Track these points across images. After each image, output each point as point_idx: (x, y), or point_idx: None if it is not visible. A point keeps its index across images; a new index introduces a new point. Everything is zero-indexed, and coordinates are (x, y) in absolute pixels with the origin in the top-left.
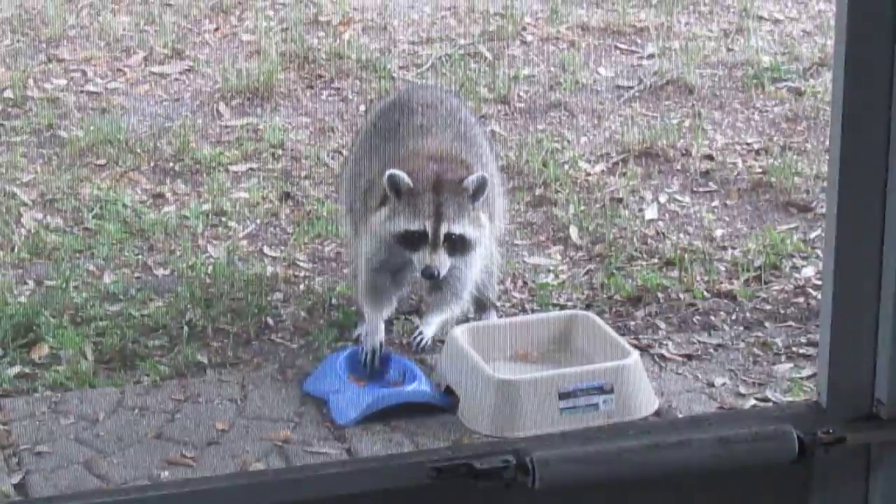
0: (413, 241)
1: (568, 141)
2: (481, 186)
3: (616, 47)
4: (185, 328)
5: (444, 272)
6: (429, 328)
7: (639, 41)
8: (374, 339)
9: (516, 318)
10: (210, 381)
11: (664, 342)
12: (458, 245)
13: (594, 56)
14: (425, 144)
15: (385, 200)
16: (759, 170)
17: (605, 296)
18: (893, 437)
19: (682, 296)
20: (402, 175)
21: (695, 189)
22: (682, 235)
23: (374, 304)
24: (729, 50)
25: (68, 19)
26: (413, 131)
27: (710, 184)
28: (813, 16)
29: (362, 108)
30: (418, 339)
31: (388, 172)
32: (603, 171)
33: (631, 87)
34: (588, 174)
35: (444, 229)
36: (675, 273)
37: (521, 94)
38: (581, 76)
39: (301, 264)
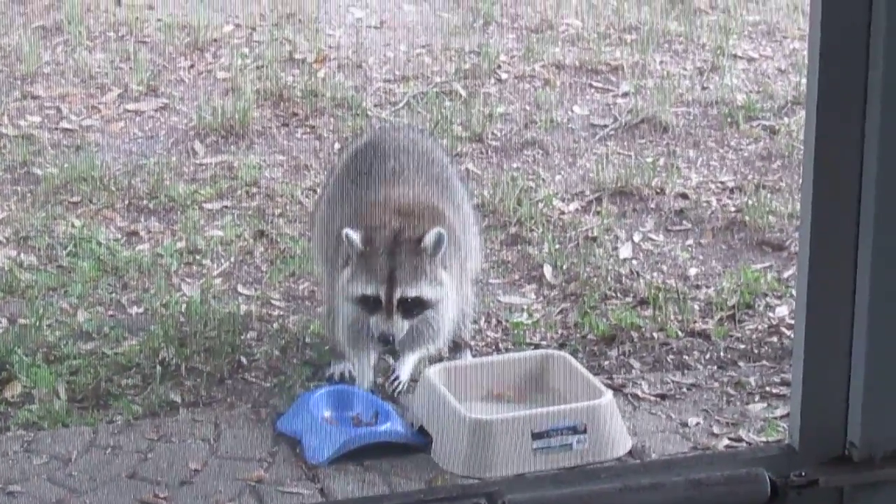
0: (368, 304)
1: (542, 179)
2: (438, 242)
3: (591, 85)
4: (159, 367)
5: (399, 337)
6: (404, 370)
7: (613, 79)
8: (364, 385)
9: (490, 357)
10: (183, 420)
11: (638, 381)
12: (415, 307)
13: (569, 94)
14: (394, 194)
15: (348, 259)
16: (734, 208)
17: (579, 335)
18: (866, 479)
19: (655, 335)
20: (354, 236)
21: (669, 228)
22: (656, 274)
23: (358, 348)
24: (703, 88)
25: (43, 56)
26: (385, 176)
27: (685, 222)
28: (787, 54)
29: (337, 146)
30: (395, 383)
31: (344, 232)
32: (577, 210)
33: (605, 126)
34: (562, 213)
35: (397, 294)
36: (649, 312)
37: (496, 132)
38: (556, 114)
39: (275, 303)
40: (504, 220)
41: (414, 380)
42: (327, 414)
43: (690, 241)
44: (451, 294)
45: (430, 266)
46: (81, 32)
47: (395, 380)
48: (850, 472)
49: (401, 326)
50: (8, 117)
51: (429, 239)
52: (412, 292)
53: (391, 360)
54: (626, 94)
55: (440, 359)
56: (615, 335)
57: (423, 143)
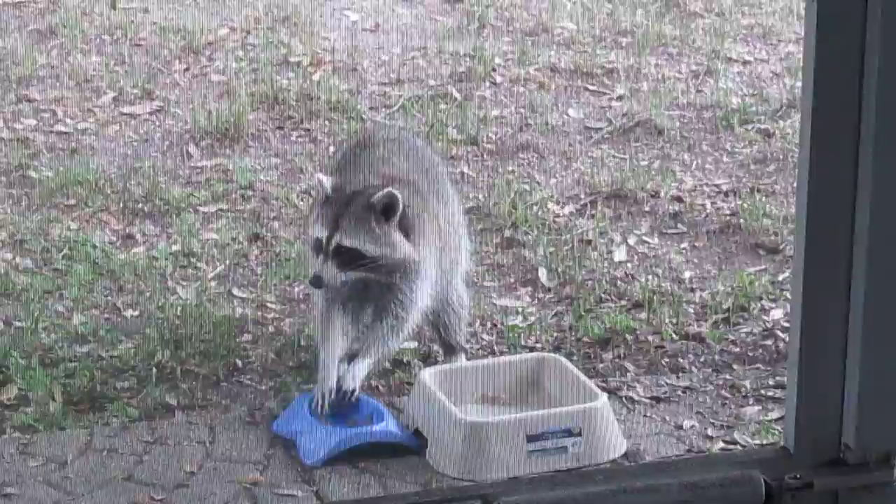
0: (315, 248)
1: (537, 182)
2: (390, 203)
3: (585, 89)
4: (154, 370)
5: (328, 282)
6: (357, 377)
7: (608, 82)
8: (325, 384)
9: (485, 360)
10: (179, 423)
11: (632, 384)
12: (351, 259)
13: (563, 97)
14: (381, 168)
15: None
16: (728, 212)
17: (573, 338)
18: (861, 482)
19: (650, 338)
20: (325, 181)
21: (664, 231)
22: (650, 277)
23: (326, 341)
24: (698, 91)
25: (38, 59)
26: (374, 161)
27: (679, 225)
28: (782, 57)
29: (332, 149)
30: (343, 394)
31: (317, 175)
32: (572, 213)
33: (600, 129)
34: (557, 216)
35: (335, 240)
36: (644, 315)
37: (491, 135)
38: (550, 117)
39: (270, 306)
40: (499, 224)
41: (408, 382)
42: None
43: (685, 245)
44: (423, 273)
45: (377, 223)
46: (76, 36)
47: (343, 393)
48: (844, 474)
49: (332, 273)
50: (3, 120)
51: (378, 196)
52: (349, 242)
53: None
54: (620, 98)
55: (435, 362)
56: (610, 338)
57: (413, 141)
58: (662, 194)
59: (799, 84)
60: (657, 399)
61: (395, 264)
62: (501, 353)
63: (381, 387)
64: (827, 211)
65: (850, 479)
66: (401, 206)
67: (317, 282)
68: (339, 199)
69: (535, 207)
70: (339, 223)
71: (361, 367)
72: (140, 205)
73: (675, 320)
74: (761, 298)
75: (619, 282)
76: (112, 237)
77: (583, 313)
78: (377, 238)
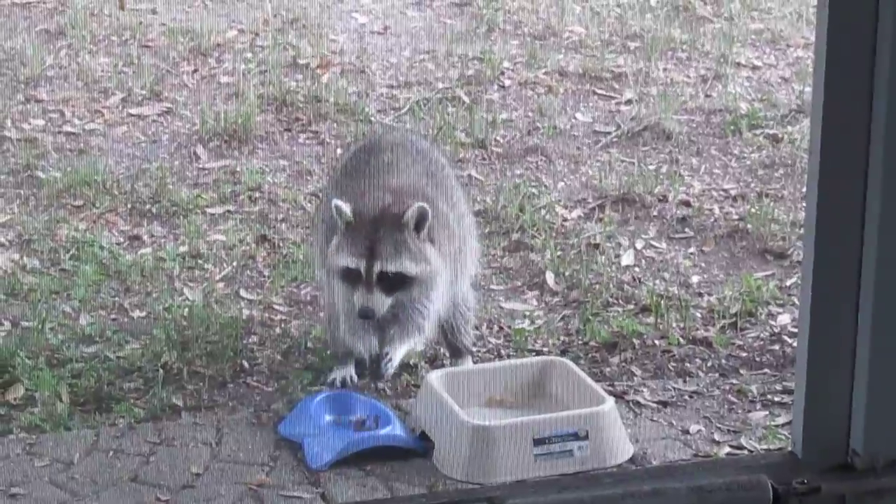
0: (350, 278)
1: (545, 186)
2: (422, 217)
3: (594, 92)
4: (161, 371)
5: (379, 312)
6: (396, 354)
7: (617, 87)
8: (344, 370)
9: (492, 363)
10: (185, 424)
11: (639, 389)
12: (397, 283)
13: (572, 101)
14: (388, 178)
15: (336, 230)
16: (736, 216)
17: (580, 342)
18: (869, 487)
19: (657, 342)
20: (344, 207)
21: (671, 235)
22: (658, 282)
23: (351, 338)
24: (707, 96)
25: (47, 60)
26: (381, 168)
27: (687, 230)
28: (791, 62)
29: (339, 151)
30: (387, 365)
31: (333, 202)
32: (580, 217)
33: (608, 133)
34: (565, 220)
35: (377, 268)
36: (651, 319)
37: (499, 138)
38: (559, 121)
39: (277, 307)
40: (506, 227)
41: (416, 385)
42: (328, 418)
43: (693, 249)
44: (441, 277)
45: (413, 241)
46: (85, 37)
47: (388, 361)
48: (852, 479)
49: (381, 301)
50: (11, 121)
51: (410, 213)
52: (392, 267)
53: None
54: (629, 102)
55: (441, 365)
56: (617, 342)
57: (420, 144)
58: (670, 199)
59: (807, 89)
60: (664, 403)
61: (431, 277)
62: (508, 357)
63: (387, 389)
64: (836, 216)
65: (857, 484)
66: (430, 218)
67: (368, 314)
68: (365, 224)
69: (542, 211)
70: (377, 250)
71: (399, 349)
72: (147, 206)
73: (682, 325)
74: (769, 303)
75: (626, 286)
76: (119, 238)
77: (590, 317)
78: (415, 256)
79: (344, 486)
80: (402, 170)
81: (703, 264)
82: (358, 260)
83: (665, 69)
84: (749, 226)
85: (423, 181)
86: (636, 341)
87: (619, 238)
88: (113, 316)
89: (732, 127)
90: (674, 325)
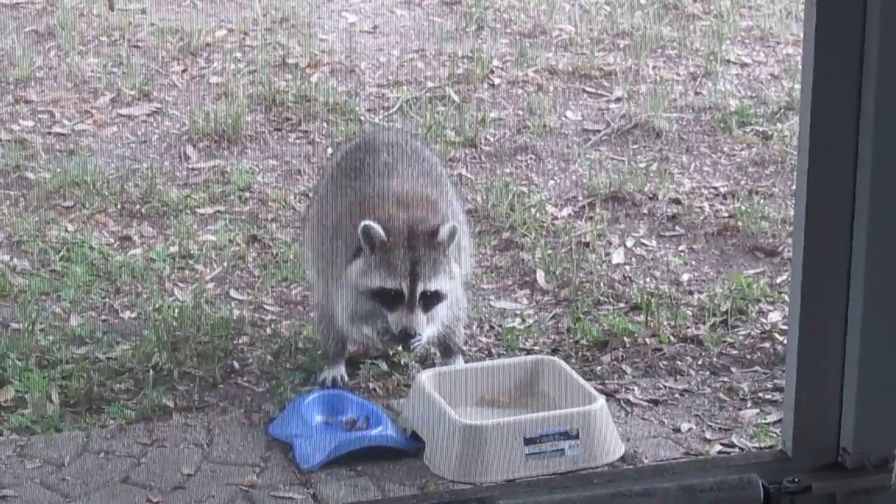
0: (388, 299)
1: (535, 184)
2: (452, 236)
3: (584, 91)
4: (151, 372)
5: (421, 332)
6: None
7: (606, 84)
8: (335, 370)
9: (482, 363)
10: (176, 424)
11: (630, 387)
12: (434, 301)
13: (562, 99)
14: (391, 186)
15: (359, 252)
16: (726, 214)
17: (571, 340)
18: (859, 486)
19: (648, 340)
20: (377, 228)
21: (661, 233)
22: (648, 280)
23: (339, 339)
24: (696, 94)
25: (36, 60)
26: (378, 170)
27: (677, 228)
28: (780, 60)
29: (329, 150)
30: (415, 342)
31: (363, 224)
32: (570, 215)
33: (598, 131)
34: (555, 218)
35: (420, 288)
36: (642, 318)
37: (489, 137)
38: (548, 120)
39: (268, 308)
40: (497, 226)
41: (407, 386)
42: (319, 418)
43: (683, 247)
44: (456, 288)
45: (446, 260)
46: (74, 37)
47: (417, 339)
48: (842, 478)
49: (422, 321)
50: (0, 122)
51: (444, 232)
52: (434, 286)
53: (383, 365)
54: (619, 100)
55: (432, 364)
56: (608, 341)
57: (413, 143)
58: (660, 197)
59: (797, 86)
60: (655, 402)
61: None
62: (499, 356)
63: (378, 389)
64: (826, 213)
65: (848, 482)
66: (458, 234)
67: (411, 334)
68: (400, 244)
69: (533, 210)
70: (419, 270)
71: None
72: (137, 206)
73: (672, 323)
74: (759, 301)
75: (616, 284)
76: (109, 239)
77: (580, 316)
78: (448, 273)
79: (335, 486)
80: (398, 170)
81: (693, 262)
82: (401, 280)
83: (655, 67)
84: (739, 223)
85: (424, 184)
86: (627, 340)
87: (609, 236)
88: (103, 317)
89: (722, 124)
90: (664, 323)
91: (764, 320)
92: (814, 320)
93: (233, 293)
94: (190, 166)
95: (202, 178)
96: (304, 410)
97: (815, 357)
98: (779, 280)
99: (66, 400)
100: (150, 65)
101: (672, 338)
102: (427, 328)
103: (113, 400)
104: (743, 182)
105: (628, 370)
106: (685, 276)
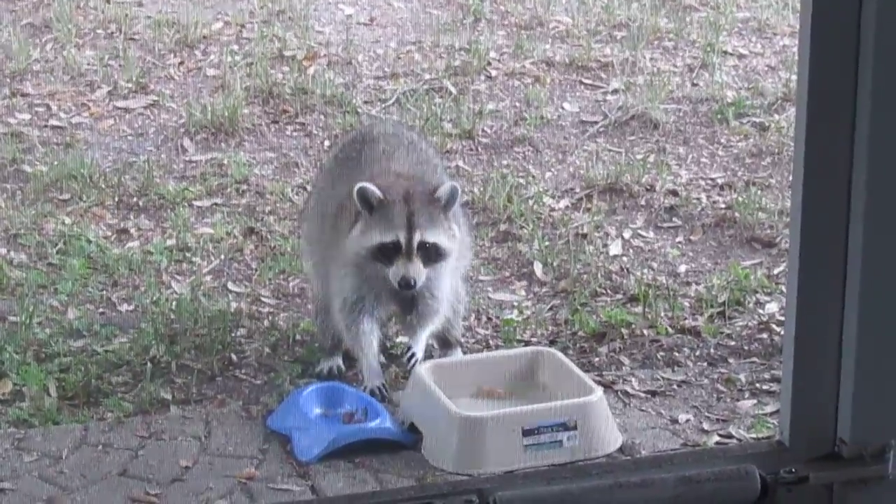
0: (387, 253)
1: (532, 176)
2: (453, 196)
3: (581, 82)
4: (149, 364)
5: (420, 281)
6: (419, 346)
7: (603, 76)
8: (375, 381)
9: (480, 354)
10: (174, 417)
11: (628, 378)
12: (433, 254)
13: (559, 91)
14: (390, 166)
15: (357, 218)
16: (724, 205)
17: (569, 332)
18: (856, 476)
19: (645, 332)
20: (372, 187)
21: (659, 224)
22: (646, 271)
23: (364, 345)
24: (693, 85)
25: (32, 53)
26: (377, 157)
27: (675, 219)
28: (777, 51)
29: (327, 143)
30: (412, 360)
31: (357, 185)
32: (567, 207)
33: (595, 123)
34: (552, 210)
35: (417, 238)
36: (639, 309)
37: (486, 129)
38: (546, 111)
39: (265, 300)
40: (494, 218)
41: (405, 378)
42: (317, 411)
43: (680, 238)
44: (458, 253)
45: (444, 217)
46: (70, 30)
47: (411, 355)
48: (839, 468)
49: (421, 271)
50: None
51: (443, 190)
52: (431, 237)
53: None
54: (616, 91)
55: (430, 356)
56: (605, 332)
57: (410, 135)
58: (658, 188)
59: (794, 77)
60: (652, 393)
61: (452, 255)
62: (497, 348)
63: None
64: (822, 204)
65: (845, 472)
66: (459, 197)
67: (409, 283)
68: (397, 200)
69: (530, 201)
70: (415, 222)
71: (422, 337)
72: (135, 199)
73: (670, 314)
74: (756, 292)
75: (614, 276)
76: (107, 232)
77: (578, 307)
78: (446, 231)
79: (333, 478)
80: (397, 159)
81: (690, 253)
82: (397, 232)
83: (652, 58)
84: (736, 214)
85: (418, 168)
86: (624, 331)
87: (606, 228)
88: (101, 310)
89: (719, 116)
90: (662, 314)
91: (761, 311)
92: (811, 311)
93: (230, 286)
94: (187, 159)
95: (199, 170)
96: (303, 403)
97: (812, 348)
98: (776, 271)
99: (63, 393)
100: (146, 57)
101: (670, 329)
102: (438, 293)
103: (111, 393)
104: (740, 173)
105: (626, 361)
106: (682, 268)
